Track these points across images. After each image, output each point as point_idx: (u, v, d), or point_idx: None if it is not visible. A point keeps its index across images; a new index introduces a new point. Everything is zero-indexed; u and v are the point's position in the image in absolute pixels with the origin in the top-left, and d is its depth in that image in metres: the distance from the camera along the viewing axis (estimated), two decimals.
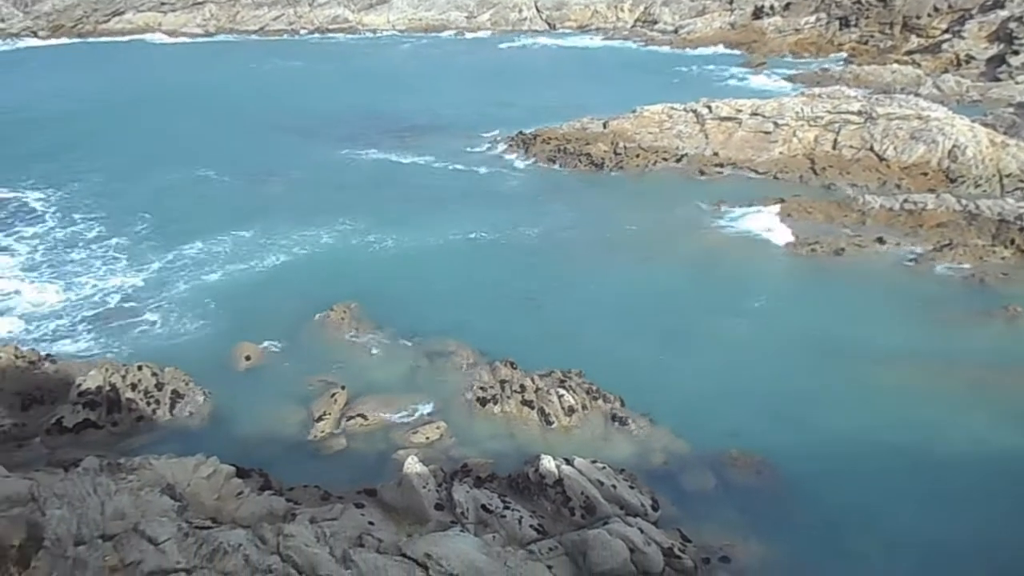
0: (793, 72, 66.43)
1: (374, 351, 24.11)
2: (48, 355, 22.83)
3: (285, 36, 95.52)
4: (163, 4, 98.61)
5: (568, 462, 17.55)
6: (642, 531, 15.79)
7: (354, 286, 27.73)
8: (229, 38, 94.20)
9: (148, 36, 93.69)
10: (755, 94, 51.34)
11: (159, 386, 21.40)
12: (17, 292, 28.60)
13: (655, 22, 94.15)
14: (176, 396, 21.41)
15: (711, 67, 71.17)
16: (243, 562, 12.85)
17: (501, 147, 45.59)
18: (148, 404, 20.99)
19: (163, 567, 12.40)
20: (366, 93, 61.94)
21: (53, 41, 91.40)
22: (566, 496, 16.92)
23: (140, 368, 21.60)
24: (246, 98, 60.49)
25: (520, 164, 43.34)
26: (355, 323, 25.21)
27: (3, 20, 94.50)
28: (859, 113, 41.26)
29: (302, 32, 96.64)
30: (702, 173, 40.41)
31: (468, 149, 46.47)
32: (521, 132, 45.67)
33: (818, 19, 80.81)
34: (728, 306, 26.82)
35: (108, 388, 20.74)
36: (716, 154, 41.45)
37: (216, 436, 20.22)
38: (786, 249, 31.60)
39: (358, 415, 20.93)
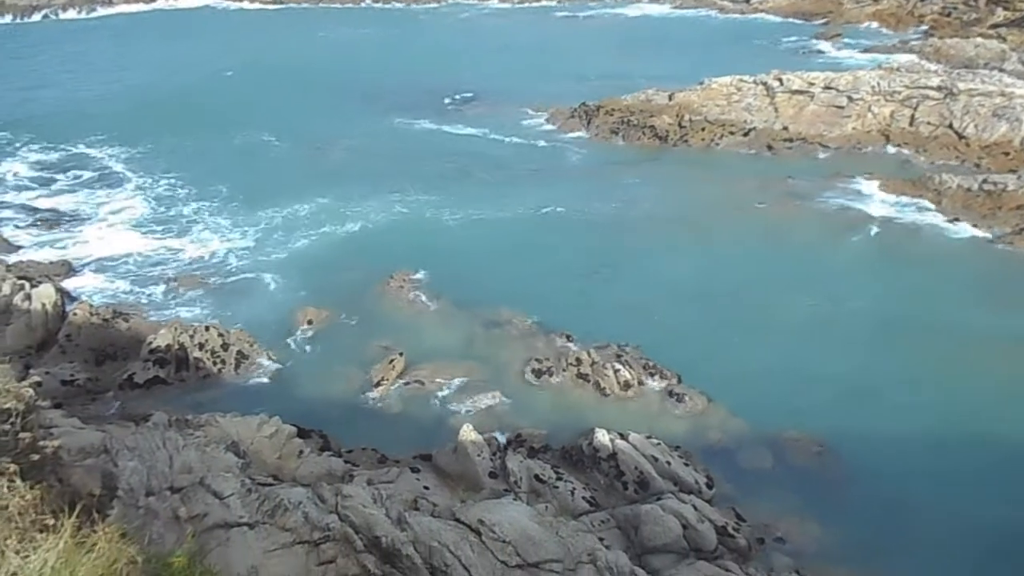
0: (870, 44, 63.71)
1: (432, 319, 24.34)
2: (121, 313, 23.71)
3: (348, 4, 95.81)
4: None
5: (622, 436, 17.51)
6: (696, 508, 15.68)
7: (415, 255, 27.97)
8: (294, 5, 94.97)
9: (215, 2, 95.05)
10: (829, 67, 49.44)
11: (225, 346, 22.06)
12: (99, 245, 29.83)
13: None
14: (241, 356, 22.05)
15: (783, 38, 68.76)
16: (303, 519, 13.22)
17: (563, 118, 45.06)
18: (214, 363, 21.68)
19: (227, 520, 12.84)
20: (426, 61, 61.87)
21: (125, 8, 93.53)
22: (619, 470, 16.91)
23: (207, 329, 22.29)
24: (308, 65, 61.03)
25: (582, 136, 42.82)
26: (415, 291, 25.46)
27: None
28: (939, 88, 39.43)
29: (361, 3, 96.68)
30: (770, 148, 39.30)
31: (530, 120, 46.12)
32: (584, 104, 45.02)
33: None
34: (794, 284, 26.16)
35: (177, 347, 21.50)
36: (786, 128, 40.22)
37: (278, 396, 20.79)
38: (857, 227, 30.58)
39: (415, 381, 21.24)
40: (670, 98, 42.91)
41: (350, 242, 30.18)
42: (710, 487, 17.07)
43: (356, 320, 24.40)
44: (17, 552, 3.71)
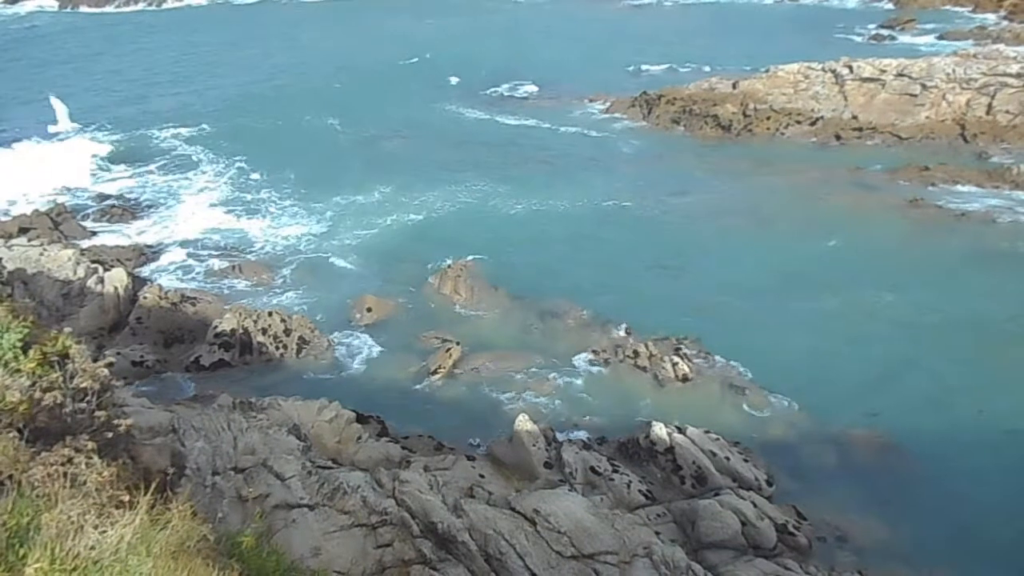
0: (945, 29, 61.29)
1: (489, 309, 24.40)
2: (189, 296, 24.39)
3: None
4: None
5: (680, 430, 17.27)
6: (755, 505, 15.38)
7: (473, 244, 28.09)
8: None
9: None
10: (901, 53, 47.74)
11: (287, 331, 22.50)
12: (169, 230, 30.82)
13: None
14: (302, 342, 22.47)
15: (854, 24, 66.63)
16: (361, 503, 13.43)
17: (624, 107, 44.55)
18: (277, 348, 22.14)
19: (288, 501, 13.12)
20: (488, 50, 61.84)
21: (189, 1, 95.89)
22: (677, 464, 16.69)
23: (270, 314, 22.77)
24: (370, 55, 61.70)
25: (643, 125, 42.29)
26: (472, 280, 25.53)
27: None
28: (1018, 76, 37.69)
29: None
30: (839, 138, 38.17)
31: (590, 108, 45.75)
32: (644, 92, 44.42)
33: None
34: (861, 279, 25.40)
35: (241, 331, 22.01)
36: (855, 117, 38.98)
37: (337, 382, 21.16)
38: (930, 220, 29.48)
39: (471, 370, 21.34)
40: (734, 86, 42.02)
41: (410, 230, 30.44)
42: (770, 484, 16.71)
43: (414, 309, 24.63)
44: (95, 527, 3.84)
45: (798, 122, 39.45)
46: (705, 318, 23.18)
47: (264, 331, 22.20)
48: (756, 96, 40.96)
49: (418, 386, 20.98)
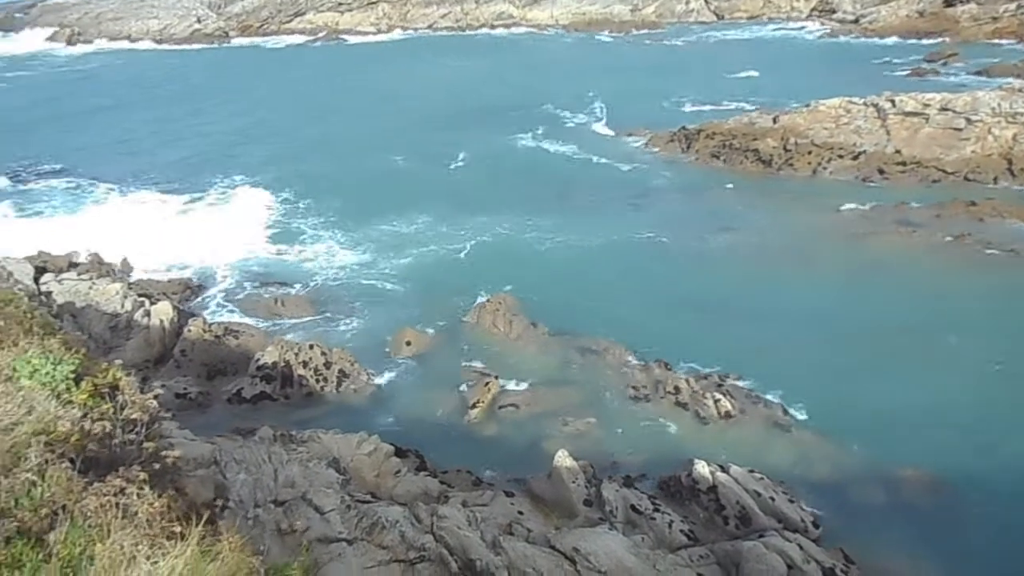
0: (990, 63, 60.40)
1: (528, 344, 24.34)
2: (232, 330, 24.77)
3: (453, 32, 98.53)
4: (340, 4, 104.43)
5: (723, 469, 16.93)
6: (801, 548, 14.94)
7: (512, 277, 28.16)
8: (399, 35, 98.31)
9: (319, 36, 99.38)
10: (945, 87, 47.21)
11: (327, 365, 22.68)
12: (215, 260, 31.55)
13: (833, 11, 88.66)
14: (342, 375, 22.61)
15: (895, 58, 66.10)
16: (399, 538, 13.36)
17: (663, 142, 44.59)
18: (317, 381, 22.31)
19: (327, 535, 13.10)
20: (528, 87, 62.65)
21: (243, 40, 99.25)
22: (720, 504, 16.33)
23: (311, 347, 23.00)
24: (417, 91, 62.98)
25: (682, 160, 42.24)
26: (511, 315, 25.53)
27: (199, 21, 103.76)
28: None
29: (467, 30, 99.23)
30: (881, 172, 37.66)
31: (630, 143, 45.87)
32: (683, 127, 44.46)
33: (1019, 6, 73.05)
34: (907, 317, 24.83)
35: (282, 364, 22.25)
36: (898, 152, 38.47)
37: (376, 415, 21.21)
38: (977, 258, 28.80)
39: (510, 404, 21.23)
40: (774, 121, 41.82)
41: (450, 262, 30.67)
42: (817, 526, 16.25)
43: (453, 342, 24.67)
44: (147, 558, 3.86)
45: (840, 156, 39.04)
46: (747, 356, 22.81)
47: (305, 364, 22.41)
48: (797, 131, 40.69)
49: (457, 420, 20.92)
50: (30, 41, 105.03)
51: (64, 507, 4.39)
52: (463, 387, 22.09)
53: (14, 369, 6.77)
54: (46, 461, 4.85)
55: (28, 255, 28.33)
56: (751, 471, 17.13)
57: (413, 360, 23.84)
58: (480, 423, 20.62)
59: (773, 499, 16.42)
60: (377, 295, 28.21)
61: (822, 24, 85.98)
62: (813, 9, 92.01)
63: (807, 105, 42.22)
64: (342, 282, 29.48)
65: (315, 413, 21.20)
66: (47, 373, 6.74)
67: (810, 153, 39.44)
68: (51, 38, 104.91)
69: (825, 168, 38.78)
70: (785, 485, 17.29)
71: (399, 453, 17.87)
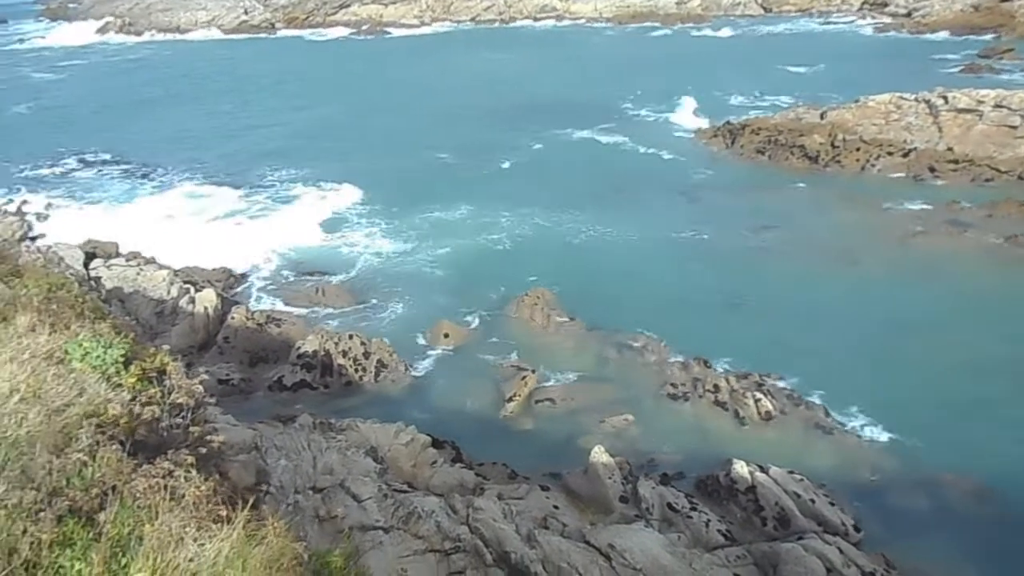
0: None
1: (566, 339, 24.28)
2: (274, 318, 25.14)
3: (496, 25, 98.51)
4: None
5: (762, 469, 16.70)
6: (841, 551, 14.67)
7: (551, 271, 28.14)
8: (442, 28, 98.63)
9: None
10: (1000, 84, 45.80)
11: (366, 355, 22.88)
12: (258, 249, 31.95)
13: (885, 4, 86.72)
14: (381, 365, 22.80)
15: (949, 54, 64.39)
16: (435, 528, 13.44)
17: (707, 136, 44.10)
18: (356, 371, 22.53)
19: (364, 523, 13.25)
20: (572, 80, 62.47)
21: (288, 32, 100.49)
22: (758, 505, 16.12)
23: (351, 337, 23.23)
24: (462, 84, 63.20)
25: (727, 155, 41.71)
26: (549, 309, 25.49)
27: (246, 12, 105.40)
28: None
29: (509, 22, 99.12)
30: (932, 170, 36.72)
31: (672, 137, 45.46)
32: (728, 122, 43.88)
33: None
34: (955, 319, 24.22)
35: (323, 353, 22.52)
36: (950, 149, 37.46)
37: (413, 406, 21.33)
38: None
39: (547, 399, 21.20)
40: (822, 116, 41.01)
41: (490, 254, 30.76)
42: (858, 529, 15.95)
43: (491, 335, 24.71)
44: (194, 540, 3.93)
45: (889, 154, 38.15)
46: (788, 356, 22.46)
47: (344, 353, 22.65)
48: (845, 127, 39.86)
49: (493, 413, 20.95)
50: (83, 31, 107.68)
51: (114, 488, 4.49)
52: (500, 380, 22.11)
53: (66, 352, 6.94)
54: (97, 442, 4.97)
55: (79, 242, 29.04)
56: (791, 472, 16.88)
57: (450, 352, 23.94)
58: (516, 417, 20.63)
59: (813, 501, 16.15)
60: (417, 286, 28.37)
61: (873, 18, 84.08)
62: (864, 2, 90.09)
63: (856, 101, 41.30)
64: (383, 272, 29.74)
65: (353, 402, 21.41)
66: (98, 356, 6.89)
67: (858, 150, 38.61)
68: (102, 28, 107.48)
69: (874, 165, 37.94)
70: (826, 488, 16.99)
71: (436, 444, 17.96)
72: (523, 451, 19.20)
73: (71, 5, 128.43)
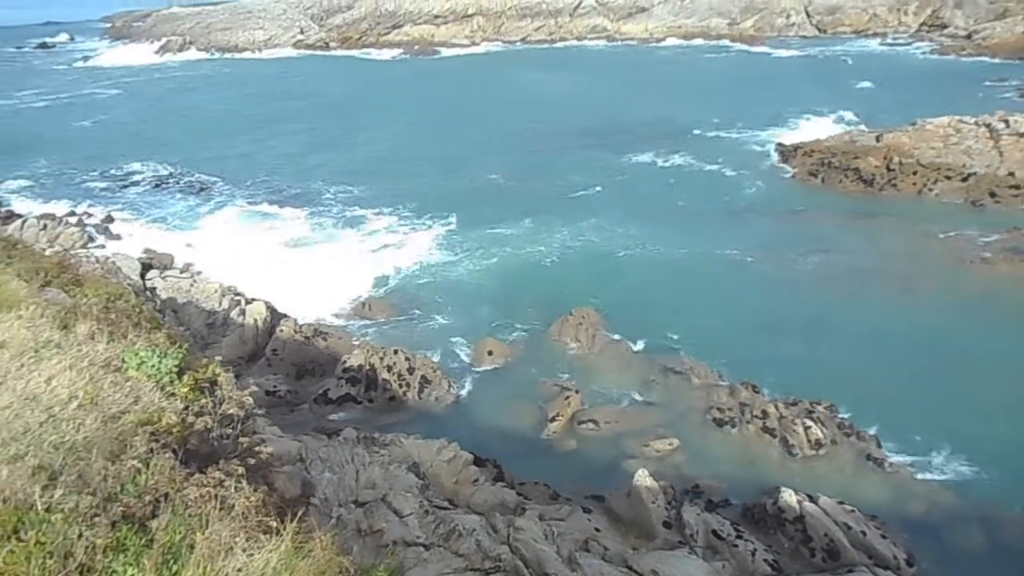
0: None
1: (610, 360, 24.07)
2: (321, 331, 25.46)
3: (546, 45, 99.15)
4: (436, 18, 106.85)
5: (812, 499, 16.26)
6: None
7: (598, 290, 28.04)
8: (493, 47, 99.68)
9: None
10: None
11: (410, 370, 23.01)
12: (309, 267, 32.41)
13: (944, 26, 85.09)
14: (424, 381, 22.89)
15: (1011, 78, 62.71)
16: (475, 546, 13.35)
17: (758, 158, 43.61)
18: (400, 386, 22.66)
19: (405, 539, 13.22)
20: (624, 100, 62.50)
21: (342, 52, 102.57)
22: (807, 535, 15.68)
23: (396, 352, 23.39)
24: (515, 104, 63.80)
25: (778, 177, 41.16)
26: (593, 329, 25.34)
27: (302, 32, 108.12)
28: None
29: (559, 42, 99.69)
30: (992, 195, 35.68)
31: (724, 158, 45.06)
32: (780, 144, 43.35)
33: None
34: (1019, 351, 23.35)
35: (368, 367, 22.71)
36: (1011, 174, 36.37)
37: (456, 423, 21.32)
38: None
39: (590, 420, 21.01)
40: (877, 139, 40.24)
41: (538, 272, 30.78)
42: (911, 564, 15.39)
43: (534, 354, 24.64)
44: (244, 550, 3.97)
45: (948, 178, 37.21)
46: (840, 383, 21.91)
47: (389, 368, 22.80)
48: (902, 150, 39.03)
49: (535, 433, 20.85)
50: (144, 49, 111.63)
51: (166, 495, 4.57)
52: (543, 399, 22.01)
53: (123, 360, 7.11)
54: (151, 450, 5.07)
55: (136, 253, 29.88)
56: (841, 503, 16.40)
57: (494, 369, 23.92)
58: (559, 437, 20.48)
59: (864, 533, 15.65)
60: (463, 302, 28.48)
61: (931, 40, 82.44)
62: (923, 24, 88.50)
63: (913, 123, 40.47)
64: (429, 287, 29.95)
65: (397, 417, 21.52)
66: (153, 365, 7.05)
67: (915, 173, 37.75)
68: (164, 47, 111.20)
69: (931, 190, 37.04)
70: (877, 520, 16.47)
71: (477, 462, 17.91)
72: (565, 472, 19.03)
73: (135, 24, 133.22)
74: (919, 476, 18.21)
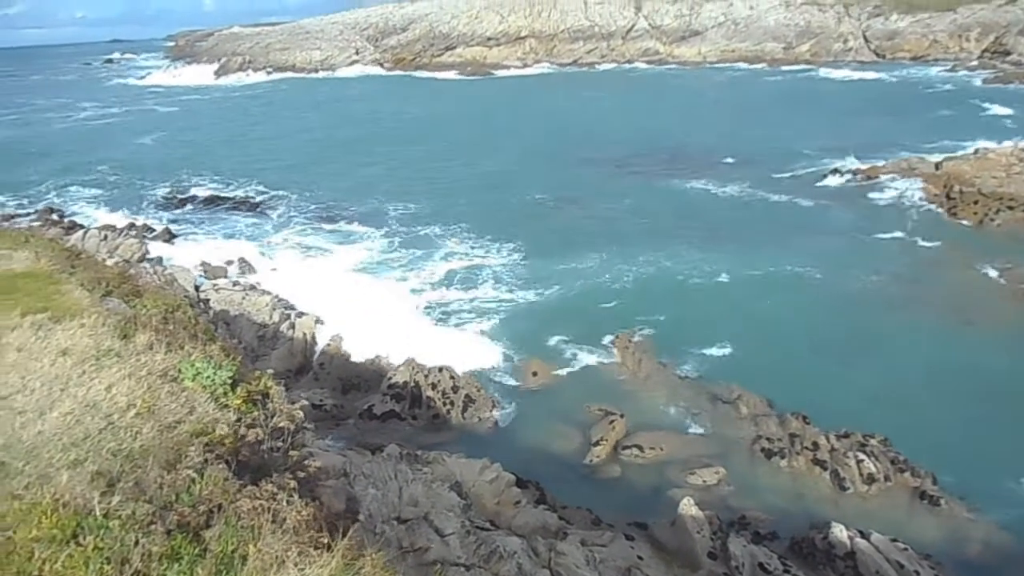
0: None
1: (656, 386, 23.78)
2: (367, 346, 25.67)
3: (598, 67, 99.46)
4: (489, 40, 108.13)
5: (863, 535, 15.77)
6: None
7: (647, 314, 27.75)
8: (545, 69, 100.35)
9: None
10: None
11: (455, 389, 23.06)
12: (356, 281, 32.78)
13: (1007, 53, 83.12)
14: (468, 401, 22.90)
15: None
16: (516, 569, 13.24)
17: (814, 183, 42.91)
18: (444, 404, 22.71)
19: (446, 558, 13.18)
20: (676, 123, 62.32)
21: (397, 72, 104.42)
22: (857, 572, 15.20)
23: (441, 370, 23.48)
24: (571, 125, 64.11)
25: (835, 203, 40.43)
26: (640, 353, 25.11)
27: (357, 52, 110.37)
28: None
29: (612, 65, 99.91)
30: None
31: (778, 183, 44.49)
32: (836, 170, 42.64)
33: None
34: None
35: (412, 385, 22.83)
36: None
37: (499, 443, 21.24)
38: None
39: (635, 446, 20.74)
40: (936, 167, 39.33)
41: (588, 295, 30.57)
42: None
43: (580, 377, 24.48)
44: (295, 564, 4.00)
45: (1010, 207, 36.10)
46: (893, 417, 21.26)
47: (434, 386, 22.88)
48: (962, 178, 38.05)
49: (578, 457, 20.65)
50: (205, 69, 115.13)
51: (220, 506, 4.63)
52: (587, 423, 21.82)
53: (179, 371, 7.26)
54: (205, 460, 5.15)
55: (191, 265, 30.63)
56: (894, 540, 15.87)
57: (539, 392, 23.82)
58: (602, 462, 20.25)
59: (918, 573, 15.10)
60: (508, 323, 28.48)
61: (993, 68, 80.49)
62: (985, 50, 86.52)
63: (975, 152, 39.44)
64: (475, 306, 30.01)
65: (440, 436, 21.54)
66: (208, 377, 7.18)
67: (976, 203, 36.75)
68: (224, 66, 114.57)
69: (993, 219, 35.98)
70: (931, 560, 15.88)
71: (520, 484, 17.81)
72: (608, 498, 18.80)
73: (198, 43, 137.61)
74: (976, 516, 17.52)
